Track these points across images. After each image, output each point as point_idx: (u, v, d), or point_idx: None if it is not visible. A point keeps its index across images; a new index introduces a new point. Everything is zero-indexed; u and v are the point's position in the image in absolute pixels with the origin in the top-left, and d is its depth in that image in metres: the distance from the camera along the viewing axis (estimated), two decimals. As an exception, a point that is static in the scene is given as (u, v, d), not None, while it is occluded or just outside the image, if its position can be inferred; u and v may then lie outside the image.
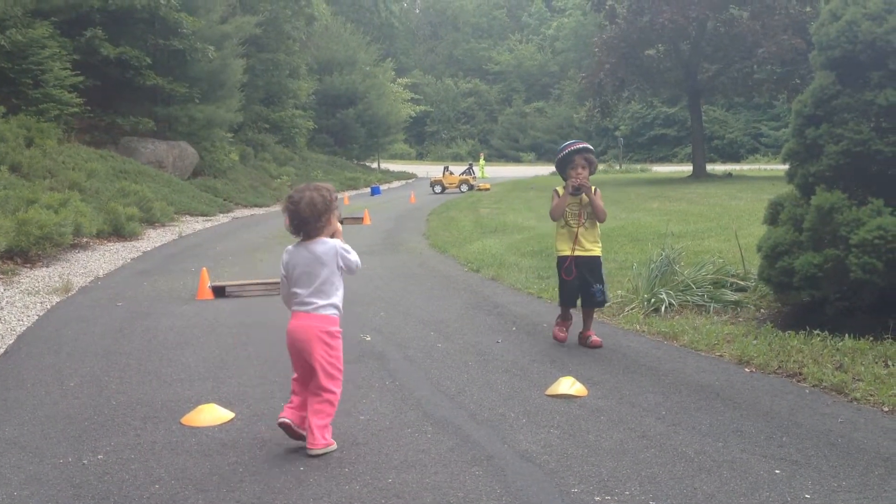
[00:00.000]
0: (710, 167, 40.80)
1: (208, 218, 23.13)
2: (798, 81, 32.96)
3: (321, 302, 4.52)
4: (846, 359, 5.91)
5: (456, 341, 7.31)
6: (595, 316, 7.44)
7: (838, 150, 6.74)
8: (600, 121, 44.32)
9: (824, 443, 4.46)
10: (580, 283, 6.92)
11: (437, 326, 7.97)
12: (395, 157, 69.20)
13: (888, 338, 6.20)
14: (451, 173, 37.35)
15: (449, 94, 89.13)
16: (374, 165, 56.76)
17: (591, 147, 7.04)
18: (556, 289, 9.62)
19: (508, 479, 4.04)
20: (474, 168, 41.49)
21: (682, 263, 9.26)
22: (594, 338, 6.93)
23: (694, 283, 8.55)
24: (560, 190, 6.98)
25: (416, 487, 3.94)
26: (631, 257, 11.31)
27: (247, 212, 26.28)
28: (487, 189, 33.95)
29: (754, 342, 6.62)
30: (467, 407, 5.31)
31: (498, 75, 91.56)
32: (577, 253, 6.90)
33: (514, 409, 5.22)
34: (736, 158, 63.59)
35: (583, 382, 5.69)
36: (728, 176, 35.99)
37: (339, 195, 35.07)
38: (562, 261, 7.00)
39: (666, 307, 8.12)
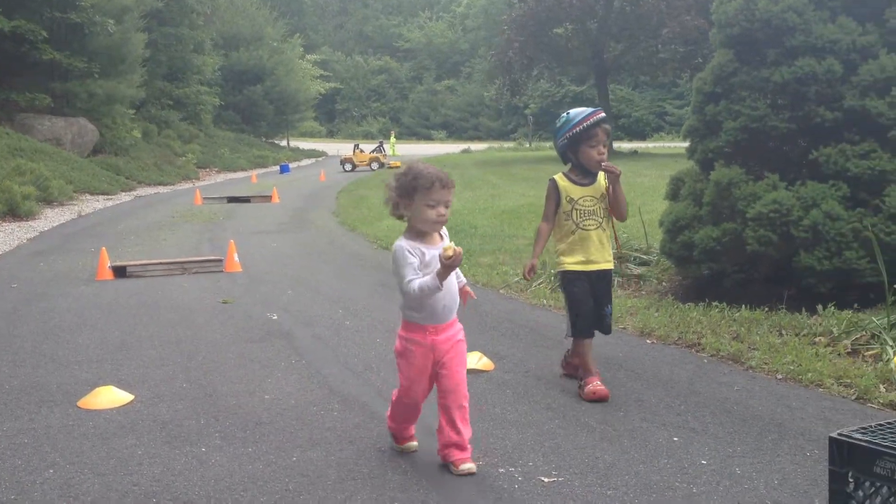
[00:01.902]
0: (616, 145, 41.50)
1: (109, 197, 22.47)
2: (700, 61, 33.72)
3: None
4: (742, 329, 6.09)
5: (364, 318, 7.26)
6: (510, 295, 7.44)
7: (736, 126, 6.91)
8: (510, 99, 44.63)
9: (721, 410, 4.58)
10: (592, 305, 5.04)
11: (346, 304, 7.91)
12: (305, 134, 68.29)
13: (782, 308, 6.42)
14: (362, 151, 37.10)
15: (359, 72, 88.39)
16: (284, 143, 55.93)
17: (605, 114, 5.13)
18: (472, 267, 9.71)
19: (414, 455, 4.04)
20: (385, 146, 41.29)
21: (588, 239, 9.38)
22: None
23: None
24: (561, 181, 5.05)
25: (321, 465, 3.90)
26: (539, 233, 11.41)
27: (150, 190, 25.61)
28: (398, 167, 33.66)
29: (656, 314, 6.77)
30: (374, 384, 5.29)
31: (408, 53, 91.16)
32: (593, 266, 5.00)
33: (421, 385, 5.21)
34: (642, 136, 64.85)
35: (490, 357, 5.72)
36: (634, 153, 36.68)
37: (247, 174, 34.52)
38: (573, 278, 5.02)
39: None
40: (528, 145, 54.69)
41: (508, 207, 16.09)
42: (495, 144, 56.64)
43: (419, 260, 3.70)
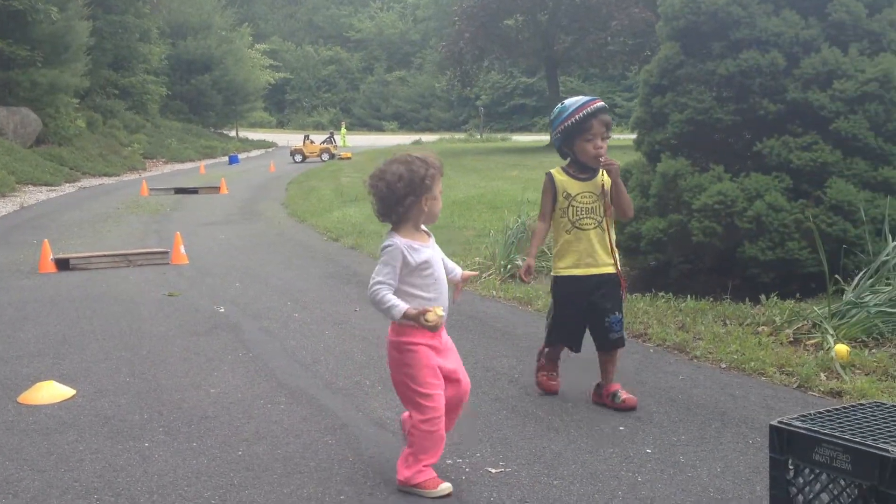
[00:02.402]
0: (567, 136, 41.73)
1: (53, 188, 22.01)
2: (648, 53, 33.99)
3: None
4: (688, 319, 6.16)
5: (313, 311, 7.21)
6: (474, 290, 7.30)
7: (682, 118, 6.98)
8: (461, 90, 44.62)
9: (666, 399, 4.64)
10: (586, 314, 4.56)
11: (295, 296, 7.85)
12: (254, 125, 67.56)
13: (727, 298, 6.51)
14: (312, 142, 36.82)
15: (309, 62, 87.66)
16: (233, 134, 55.28)
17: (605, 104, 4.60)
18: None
19: (362, 447, 4.02)
20: (335, 137, 41.03)
21: (538, 230, 9.42)
22: (624, 394, 4.51)
23: (548, 249, 8.70)
24: (558, 175, 4.58)
25: (266, 459, 3.87)
26: (489, 225, 11.47)
27: (95, 181, 25.13)
28: (349, 158, 33.65)
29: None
30: (323, 376, 5.26)
31: (359, 43, 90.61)
32: (590, 270, 4.50)
33: (370, 378, 5.20)
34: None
35: (438, 348, 5.71)
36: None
37: (195, 164, 34.09)
38: (563, 284, 4.60)
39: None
40: (479, 137, 54.77)
41: (459, 199, 16.08)
42: (447, 136, 56.59)
43: (413, 259, 3.41)
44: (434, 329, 3.34)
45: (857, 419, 2.81)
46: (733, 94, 6.81)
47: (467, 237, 11.16)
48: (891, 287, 5.65)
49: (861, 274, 5.80)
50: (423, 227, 3.55)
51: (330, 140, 38.01)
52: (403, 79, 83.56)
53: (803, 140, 6.45)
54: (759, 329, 5.77)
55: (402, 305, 3.35)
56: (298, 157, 34.79)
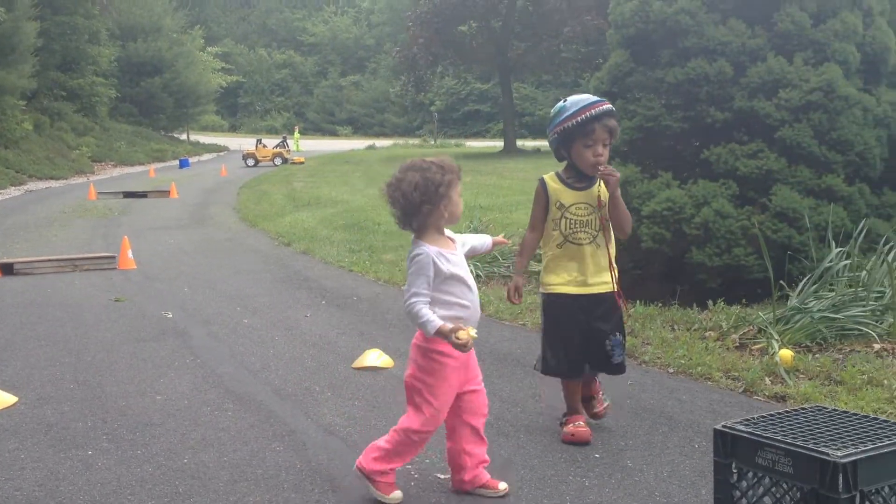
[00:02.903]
0: (520, 143, 41.94)
1: (-2, 191, 21.57)
2: (601, 61, 34.26)
3: None
4: (637, 324, 6.22)
5: (263, 316, 7.15)
6: (405, 287, 7.31)
7: (632, 125, 7.05)
8: (415, 95, 44.60)
9: (614, 405, 4.66)
10: (584, 338, 4.08)
11: (245, 301, 7.77)
12: (206, 128, 66.78)
13: (675, 304, 6.58)
14: (265, 146, 36.49)
15: (262, 65, 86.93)
16: (184, 137, 54.60)
17: (612, 107, 4.07)
18: (374, 264, 9.67)
19: (310, 454, 3.98)
20: (288, 141, 40.72)
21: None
22: (600, 406, 4.30)
23: (500, 255, 8.74)
24: (551, 182, 4.13)
25: (213, 467, 3.82)
26: (441, 230, 11.43)
27: (42, 184, 24.67)
28: (302, 162, 33.42)
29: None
30: (272, 382, 5.21)
31: (313, 47, 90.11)
32: (586, 289, 4.05)
33: (320, 383, 5.17)
34: (545, 135, 65.63)
35: (390, 354, 5.70)
36: (537, 151, 37.13)
37: (145, 168, 33.60)
38: (557, 302, 4.13)
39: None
40: (433, 142, 54.80)
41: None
42: (401, 141, 56.50)
43: (446, 267, 3.32)
44: (465, 349, 3.25)
45: (798, 423, 2.85)
46: (682, 102, 6.89)
47: (420, 242, 11.12)
48: (833, 293, 5.76)
49: (805, 280, 5.91)
50: (446, 231, 3.46)
51: (283, 144, 37.70)
52: (358, 83, 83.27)
53: (749, 148, 6.55)
54: (707, 334, 5.85)
55: (436, 322, 3.24)
56: (251, 162, 34.46)
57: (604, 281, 4.05)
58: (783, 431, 2.76)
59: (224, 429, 4.34)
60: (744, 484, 2.80)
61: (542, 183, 4.14)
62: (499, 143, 42.26)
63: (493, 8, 35.37)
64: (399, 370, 5.42)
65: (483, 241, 3.73)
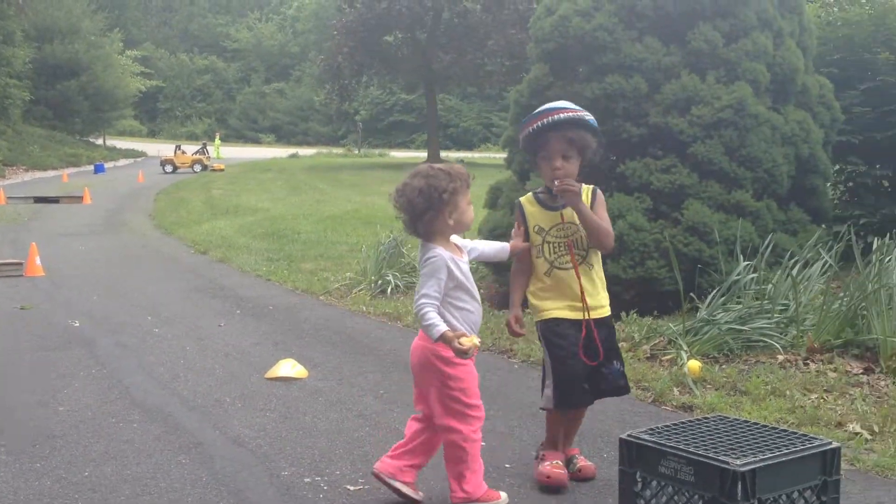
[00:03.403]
0: (444, 154, 42.17)
1: None
2: (524, 75, 34.65)
3: None
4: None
5: (175, 326, 7.00)
6: (330, 302, 7.23)
7: (550, 138, 7.11)
8: (339, 104, 44.42)
9: (528, 414, 4.69)
10: (580, 366, 3.67)
11: (156, 310, 7.59)
12: (124, 133, 65.37)
13: (590, 315, 6.64)
14: (184, 152, 35.88)
15: (184, 70, 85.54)
16: (100, 142, 53.31)
17: (584, 115, 3.69)
18: (293, 273, 9.55)
19: (217, 466, 3.90)
20: (209, 148, 40.12)
21: (409, 246, 9.44)
22: (582, 461, 3.84)
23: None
24: (527, 205, 3.75)
25: (114, 480, 3.70)
26: (362, 240, 11.41)
27: (-51, 188, 23.79)
28: (222, 170, 32.96)
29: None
30: (180, 394, 5.09)
31: (236, 53, 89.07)
32: (587, 313, 3.68)
33: (231, 394, 5.07)
34: (469, 146, 66.08)
35: (304, 364, 5.63)
36: (461, 162, 37.35)
37: (58, 172, 32.69)
38: (557, 328, 3.69)
39: (392, 288, 8.24)
40: (357, 152, 54.66)
41: (333, 213, 15.99)
42: (325, 150, 56.20)
43: (459, 273, 3.32)
44: (466, 356, 3.22)
45: (701, 432, 2.90)
46: (599, 117, 6.87)
47: (339, 252, 11.07)
48: (741, 305, 5.90)
49: (714, 292, 6.03)
50: (452, 238, 3.43)
51: (203, 151, 37.13)
52: (282, 91, 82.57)
53: (663, 163, 6.68)
54: (619, 345, 5.91)
55: (441, 327, 3.21)
56: (169, 168, 33.82)
57: (601, 304, 3.73)
58: (686, 440, 2.81)
59: (128, 441, 4.22)
60: (647, 493, 2.84)
61: (519, 206, 3.75)
62: (423, 154, 42.37)
63: (418, 19, 35.52)
64: (313, 381, 5.36)
65: (495, 248, 3.70)
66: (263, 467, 3.89)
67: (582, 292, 3.64)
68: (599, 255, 3.75)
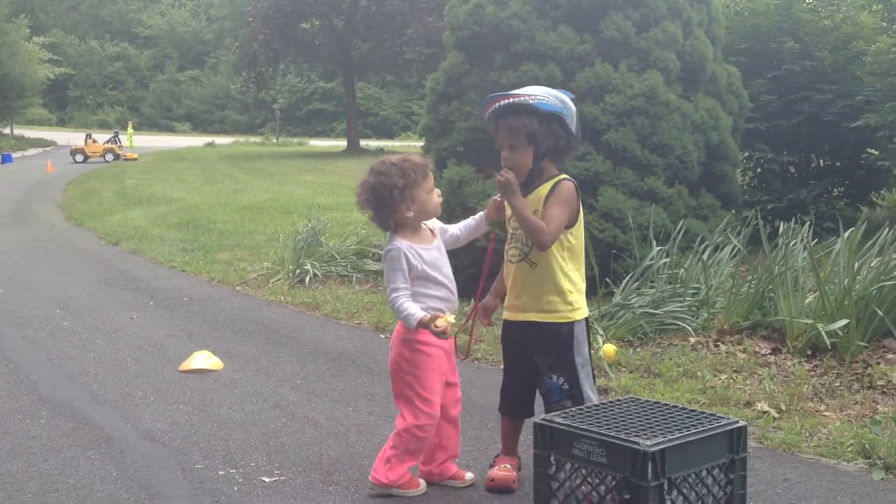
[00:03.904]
0: (364, 142, 41.88)
1: None
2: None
3: None
4: (470, 322, 6.28)
5: (85, 319, 6.81)
6: (247, 292, 7.08)
7: (467, 126, 7.14)
8: (256, 92, 43.72)
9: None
10: (527, 372, 3.51)
11: (65, 303, 7.38)
12: (32, 122, 63.19)
13: (508, 301, 6.70)
14: (95, 141, 34.88)
15: (94, 57, 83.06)
16: (7, 131, 51.51)
17: (527, 100, 3.31)
18: (208, 264, 9.37)
19: (128, 461, 3.81)
20: (121, 136, 39.09)
21: (328, 235, 9.38)
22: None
23: (338, 254, 8.68)
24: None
25: (21, 477, 3.59)
26: (280, 229, 11.27)
27: None
28: (135, 159, 32.15)
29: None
30: (90, 388, 4.96)
31: (149, 40, 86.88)
32: (517, 315, 3.49)
33: (143, 388, 4.96)
34: (390, 135, 65.85)
35: (219, 356, 5.54)
36: (380, 151, 37.17)
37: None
38: (503, 330, 3.63)
39: (310, 278, 8.16)
40: (275, 140, 53.96)
41: (250, 203, 15.76)
42: (242, 138, 55.30)
43: (419, 263, 3.33)
44: (444, 336, 3.27)
45: (613, 415, 2.95)
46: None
47: (256, 241, 10.92)
48: (654, 290, 6.02)
49: (628, 277, 6.14)
50: (425, 224, 3.46)
51: (114, 140, 36.17)
52: (197, 79, 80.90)
53: (578, 150, 6.75)
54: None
55: (417, 313, 3.25)
56: (80, 157, 32.85)
57: (539, 308, 3.39)
58: (598, 423, 2.84)
59: (35, 437, 4.10)
60: (562, 475, 2.87)
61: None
62: (343, 143, 42.08)
63: (335, 6, 35.17)
64: (229, 372, 5.28)
65: (471, 224, 3.66)
66: (176, 461, 3.82)
67: (511, 287, 3.46)
68: (558, 255, 3.36)
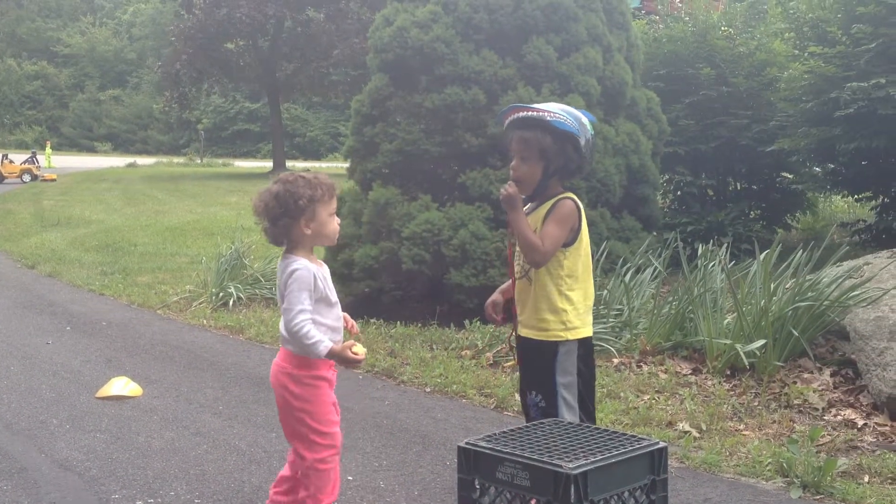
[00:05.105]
0: (290, 164, 41.56)
1: None
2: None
3: (285, 333, 3.19)
4: (397, 345, 6.28)
5: (-2, 345, 6.59)
6: (168, 316, 6.96)
7: (392, 148, 7.15)
8: (179, 112, 43.13)
9: (371, 425, 4.67)
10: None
11: (-23, 329, 7.13)
12: (-56, 141, 61.26)
13: (434, 324, 6.71)
14: (12, 162, 33.87)
15: (11, 76, 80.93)
16: (-83, 150, 49.74)
17: (544, 115, 3.28)
18: (128, 287, 9.14)
19: (41, 492, 3.69)
20: (39, 157, 38.08)
21: (253, 257, 9.26)
22: None
23: (263, 276, 8.57)
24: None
25: (-75, 514, 3.44)
26: (203, 251, 11.10)
27: None
28: (53, 180, 31.33)
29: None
30: (3, 416, 4.80)
31: (69, 58, 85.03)
32: (519, 329, 3.49)
33: (58, 416, 4.81)
34: (317, 156, 65.52)
35: (138, 382, 5.41)
36: (307, 171, 36.92)
37: None
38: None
39: (234, 301, 8.05)
40: (199, 161, 53.21)
41: (173, 224, 15.48)
42: (165, 159, 54.39)
43: (323, 285, 3.14)
44: (359, 365, 3.11)
45: (537, 437, 2.96)
46: (440, 127, 7.07)
47: (179, 264, 10.72)
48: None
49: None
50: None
51: (32, 160, 35.21)
52: (118, 98, 79.38)
53: (503, 173, 6.79)
54: (463, 353, 6.00)
55: (327, 343, 3.04)
56: (-5, 178, 31.89)
57: (529, 324, 3.38)
58: (522, 446, 2.85)
59: (-58, 471, 3.94)
60: (486, 499, 2.86)
61: None
62: (269, 163, 41.71)
63: (260, 27, 34.90)
64: (148, 399, 5.16)
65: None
66: (92, 491, 3.71)
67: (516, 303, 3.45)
68: (555, 273, 3.32)
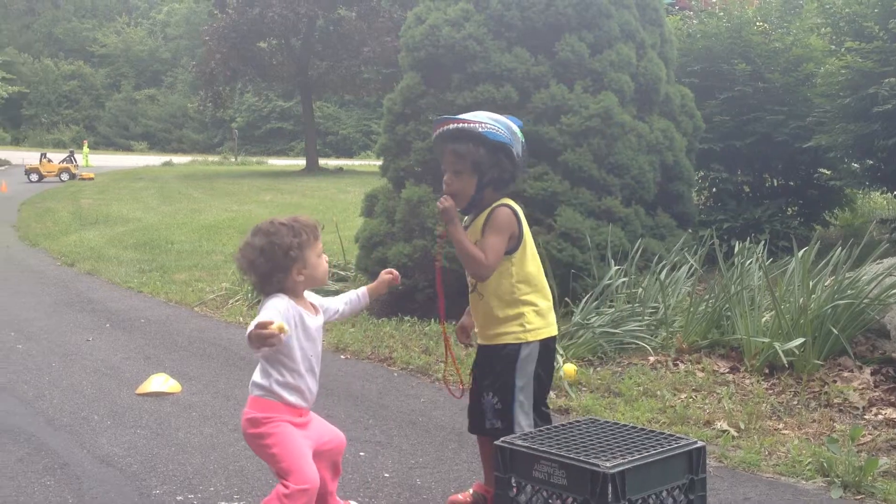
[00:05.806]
0: (323, 161, 41.76)
1: None
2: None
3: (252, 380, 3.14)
4: (431, 342, 6.30)
5: (40, 341, 6.70)
6: (205, 313, 7.00)
7: (425, 146, 7.16)
8: (214, 111, 43.46)
9: (407, 422, 4.70)
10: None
11: (19, 326, 7.25)
12: (-16, 141, 62.26)
13: (468, 321, 6.72)
14: (50, 161, 34.42)
15: (49, 76, 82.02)
16: (-42, 150, 50.63)
17: (475, 127, 3.23)
18: (166, 284, 9.26)
19: (84, 487, 3.75)
20: (76, 156, 38.62)
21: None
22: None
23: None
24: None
25: (-28, 507, 3.52)
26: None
27: None
28: (91, 178, 31.77)
29: (351, 330, 6.83)
30: (45, 412, 4.88)
31: (104, 58, 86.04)
32: (478, 339, 3.50)
33: (99, 412, 4.89)
34: (349, 154, 65.76)
35: (177, 378, 5.48)
36: (339, 170, 37.09)
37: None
38: None
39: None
40: (234, 159, 53.63)
41: (209, 222, 15.64)
42: (200, 157, 54.85)
43: (298, 325, 3.01)
44: (270, 342, 2.82)
45: (573, 436, 2.96)
46: (473, 125, 7.06)
47: (215, 262, 10.84)
48: (613, 309, 6.07)
49: (587, 297, 6.19)
50: (306, 294, 3.14)
51: (70, 159, 35.73)
52: (153, 97, 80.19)
53: (536, 171, 6.81)
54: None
55: (250, 327, 2.85)
56: (34, 177, 32.40)
57: (490, 336, 3.35)
58: (558, 444, 2.86)
59: (-12, 465, 4.02)
60: (522, 497, 2.87)
61: None
62: (302, 162, 41.92)
63: (292, 26, 35.07)
64: (187, 395, 5.22)
65: (348, 297, 3.42)
66: (133, 486, 3.77)
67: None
68: (505, 282, 3.31)
